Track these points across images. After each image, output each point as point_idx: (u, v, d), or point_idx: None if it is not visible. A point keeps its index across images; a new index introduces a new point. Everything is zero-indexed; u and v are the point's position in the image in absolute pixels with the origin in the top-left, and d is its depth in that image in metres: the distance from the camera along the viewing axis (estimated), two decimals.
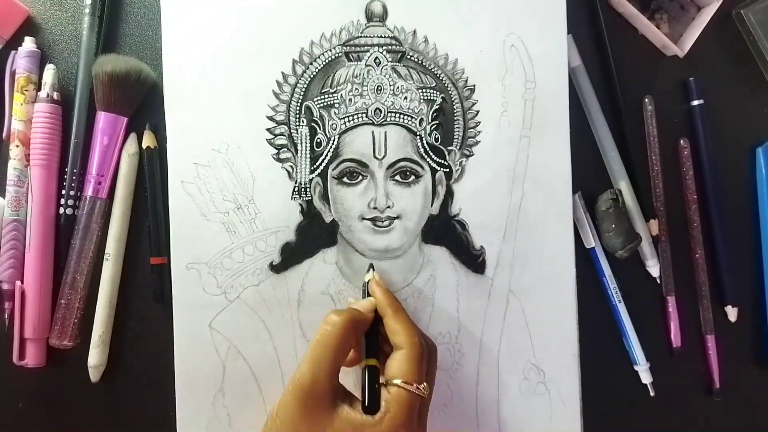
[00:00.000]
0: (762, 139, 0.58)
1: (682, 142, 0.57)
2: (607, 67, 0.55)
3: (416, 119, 0.51)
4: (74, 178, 0.50)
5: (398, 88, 0.51)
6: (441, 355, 0.47)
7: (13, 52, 0.50)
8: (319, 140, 0.50)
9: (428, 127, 0.51)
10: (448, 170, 0.52)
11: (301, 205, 0.51)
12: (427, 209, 0.51)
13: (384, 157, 0.50)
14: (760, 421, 0.58)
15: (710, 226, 0.57)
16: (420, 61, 0.51)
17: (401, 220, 0.51)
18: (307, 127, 0.50)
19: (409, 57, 0.51)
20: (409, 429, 0.40)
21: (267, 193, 0.50)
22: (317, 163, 0.51)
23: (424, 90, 0.51)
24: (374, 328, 0.45)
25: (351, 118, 0.50)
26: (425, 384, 0.42)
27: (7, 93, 0.50)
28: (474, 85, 0.52)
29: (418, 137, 0.51)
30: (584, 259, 0.54)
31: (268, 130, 0.50)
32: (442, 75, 0.51)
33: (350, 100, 0.50)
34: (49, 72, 0.50)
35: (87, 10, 0.51)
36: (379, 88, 0.51)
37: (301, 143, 0.50)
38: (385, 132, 0.50)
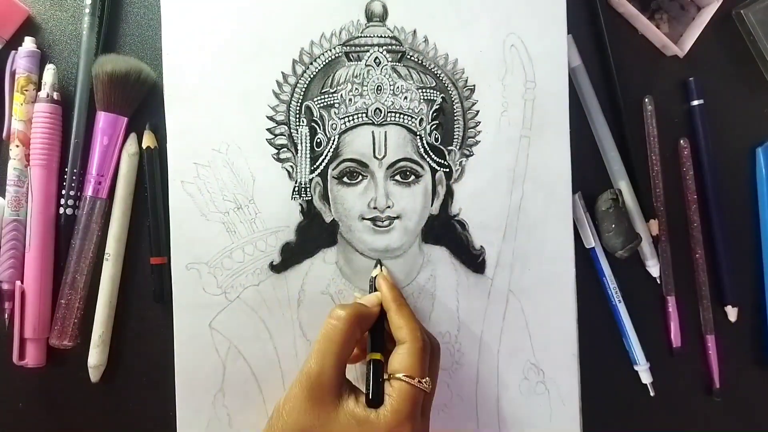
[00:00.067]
0: (762, 139, 0.58)
1: (682, 142, 0.57)
2: (607, 67, 0.55)
3: (416, 119, 0.51)
4: (74, 178, 0.50)
5: (398, 88, 0.51)
6: (441, 355, 0.47)
7: (13, 52, 0.50)
8: (319, 140, 0.50)
9: (428, 127, 0.51)
10: (448, 170, 0.52)
11: (301, 205, 0.51)
12: (427, 209, 0.51)
13: (384, 157, 0.50)
14: (760, 421, 0.58)
15: (710, 226, 0.57)
16: (420, 61, 0.51)
17: (401, 220, 0.51)
18: (307, 127, 0.50)
19: (409, 57, 0.51)
20: (413, 423, 0.40)
21: (267, 193, 0.50)
22: (317, 163, 0.51)
23: (424, 90, 0.51)
24: (379, 324, 0.45)
25: (351, 118, 0.50)
26: (428, 378, 0.42)
27: (7, 93, 0.50)
28: (474, 85, 0.52)
29: (418, 137, 0.51)
30: (584, 259, 0.54)
31: (268, 130, 0.50)
32: (442, 75, 0.51)
33: (350, 100, 0.50)
34: (49, 72, 0.50)
35: (87, 10, 0.51)
36: (379, 88, 0.51)
37: (301, 143, 0.50)
38: (385, 132, 0.50)
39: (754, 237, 0.58)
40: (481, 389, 0.52)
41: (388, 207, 0.51)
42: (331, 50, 0.51)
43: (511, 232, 0.52)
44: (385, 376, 0.42)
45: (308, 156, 0.50)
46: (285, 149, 0.50)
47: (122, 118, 0.51)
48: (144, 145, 0.51)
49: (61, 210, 0.50)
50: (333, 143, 0.50)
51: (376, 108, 0.50)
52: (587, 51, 0.55)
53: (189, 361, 0.49)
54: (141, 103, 0.51)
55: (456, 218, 0.52)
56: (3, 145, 0.51)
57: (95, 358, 0.50)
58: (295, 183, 0.50)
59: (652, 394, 0.55)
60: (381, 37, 0.51)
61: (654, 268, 0.55)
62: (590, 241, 0.54)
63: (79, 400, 0.51)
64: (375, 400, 0.41)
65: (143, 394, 0.51)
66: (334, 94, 0.50)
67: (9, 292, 0.49)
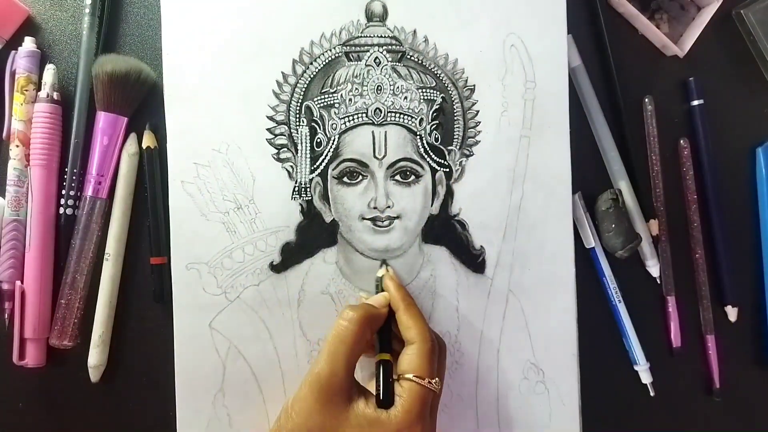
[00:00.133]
0: (762, 139, 0.58)
1: (682, 142, 0.57)
2: (607, 67, 0.55)
3: (416, 119, 0.51)
4: (74, 178, 0.50)
5: (398, 87, 0.51)
6: None
7: (13, 52, 0.50)
8: (319, 140, 0.50)
9: (428, 126, 0.51)
10: (448, 170, 0.52)
11: (301, 205, 0.51)
12: (427, 209, 0.51)
13: (384, 156, 0.50)
14: (760, 421, 0.58)
15: (710, 226, 0.57)
16: (420, 61, 0.51)
17: (401, 220, 0.51)
18: (307, 127, 0.50)
19: (409, 57, 0.51)
20: (423, 423, 0.41)
21: (267, 193, 0.50)
22: (317, 163, 0.51)
23: (424, 90, 0.51)
24: (386, 324, 0.45)
25: (351, 118, 0.50)
26: (437, 379, 0.42)
27: (7, 93, 0.50)
28: (474, 85, 0.52)
29: (418, 137, 0.51)
30: (584, 259, 0.54)
31: (268, 130, 0.50)
32: (442, 75, 0.51)
33: (350, 99, 0.50)
34: (49, 72, 0.50)
35: (87, 10, 0.51)
36: (379, 87, 0.51)
37: (301, 143, 0.50)
38: (385, 132, 0.50)
39: (754, 237, 0.58)
40: (481, 389, 0.52)
41: (388, 207, 0.51)
42: (331, 50, 0.51)
43: (511, 232, 0.52)
44: (395, 377, 0.42)
45: (308, 156, 0.50)
46: (285, 149, 0.50)
47: (122, 118, 0.51)
48: (144, 145, 0.51)
49: (61, 210, 0.50)
50: (333, 143, 0.50)
51: (376, 108, 0.50)
52: (587, 51, 0.55)
53: (189, 361, 0.49)
54: (141, 103, 0.51)
55: (456, 218, 0.52)
56: (3, 145, 0.51)
57: (95, 358, 0.50)
58: (295, 183, 0.50)
59: (652, 394, 0.55)
60: (381, 37, 0.51)
61: (654, 268, 0.55)
62: (590, 241, 0.54)
63: (79, 400, 0.51)
64: (386, 401, 0.41)
65: (143, 394, 0.51)
66: (334, 94, 0.50)
67: (9, 292, 0.49)
